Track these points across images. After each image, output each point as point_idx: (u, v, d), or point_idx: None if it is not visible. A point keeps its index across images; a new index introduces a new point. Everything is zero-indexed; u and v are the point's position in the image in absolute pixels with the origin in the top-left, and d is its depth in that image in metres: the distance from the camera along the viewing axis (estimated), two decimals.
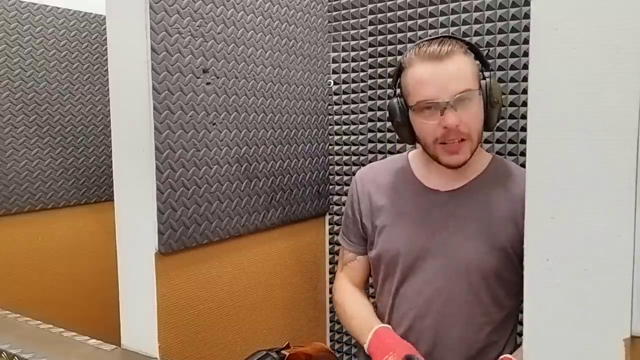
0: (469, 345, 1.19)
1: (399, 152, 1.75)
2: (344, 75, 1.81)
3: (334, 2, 1.81)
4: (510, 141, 1.51)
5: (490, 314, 1.18)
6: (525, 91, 1.46)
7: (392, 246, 1.26)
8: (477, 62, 1.20)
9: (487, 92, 1.13)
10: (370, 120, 1.78)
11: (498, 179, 1.17)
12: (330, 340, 1.92)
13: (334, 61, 1.83)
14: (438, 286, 1.18)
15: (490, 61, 1.51)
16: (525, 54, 1.45)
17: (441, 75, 1.10)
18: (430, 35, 1.61)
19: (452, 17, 1.56)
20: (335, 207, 1.87)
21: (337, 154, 1.85)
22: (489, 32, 1.51)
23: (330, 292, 1.77)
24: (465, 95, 1.10)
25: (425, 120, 1.14)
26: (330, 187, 1.85)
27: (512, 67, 1.48)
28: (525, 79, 1.46)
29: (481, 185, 1.18)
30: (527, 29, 1.46)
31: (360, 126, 1.80)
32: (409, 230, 1.23)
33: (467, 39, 1.54)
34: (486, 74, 1.23)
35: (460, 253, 1.15)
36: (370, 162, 1.79)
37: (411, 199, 1.24)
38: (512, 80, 1.49)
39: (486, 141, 1.54)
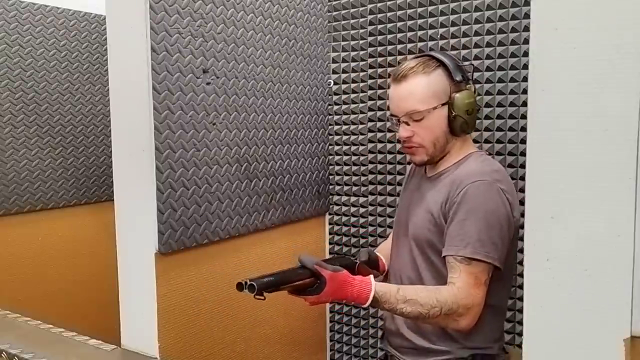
0: None
1: (399, 152, 1.76)
2: (344, 75, 1.81)
3: (334, 2, 1.81)
4: (510, 141, 1.51)
5: (422, 278, 1.32)
6: (525, 91, 1.46)
7: (396, 217, 1.50)
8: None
9: (450, 107, 1.28)
10: (370, 120, 1.78)
11: (454, 172, 1.31)
12: (330, 340, 1.92)
13: (334, 61, 1.83)
14: (400, 251, 1.40)
15: (490, 61, 1.52)
16: (525, 54, 1.45)
17: (395, 95, 1.31)
18: (430, 36, 1.62)
19: (452, 17, 1.56)
20: (335, 207, 1.87)
21: (337, 154, 1.85)
22: (489, 32, 1.51)
23: None
24: (412, 115, 1.27)
25: (395, 126, 1.37)
26: (330, 187, 1.85)
27: (512, 67, 1.48)
28: (525, 79, 1.46)
29: (444, 175, 1.33)
30: (527, 29, 1.46)
31: (360, 126, 1.80)
32: (403, 206, 1.45)
33: (466, 39, 1.54)
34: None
35: (410, 225, 1.36)
36: (370, 162, 1.79)
37: (414, 182, 1.44)
38: (512, 80, 1.49)
39: (486, 141, 1.54)
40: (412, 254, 1.34)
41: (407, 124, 1.29)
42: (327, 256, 1.88)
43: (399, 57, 1.70)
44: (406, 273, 1.36)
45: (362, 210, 1.82)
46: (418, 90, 1.27)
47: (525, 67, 1.46)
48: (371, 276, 1.23)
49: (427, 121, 1.28)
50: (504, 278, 1.26)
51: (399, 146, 1.74)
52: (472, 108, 1.28)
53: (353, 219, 1.84)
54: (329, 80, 1.81)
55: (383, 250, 1.51)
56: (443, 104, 1.27)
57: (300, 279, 1.17)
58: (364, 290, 1.19)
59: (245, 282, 1.13)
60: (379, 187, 1.79)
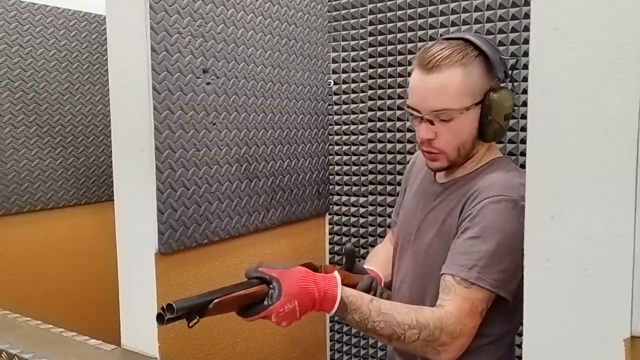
0: None
1: (399, 152, 1.75)
2: (344, 75, 1.81)
3: (334, 2, 1.81)
4: (510, 141, 1.51)
5: (423, 297, 1.17)
6: (525, 91, 1.46)
7: (400, 223, 1.33)
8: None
9: (486, 108, 1.09)
10: (370, 120, 1.78)
11: (472, 180, 1.15)
12: (331, 340, 1.92)
13: (334, 61, 1.83)
14: (408, 265, 1.24)
15: None
16: (525, 54, 1.45)
17: (422, 88, 1.09)
18: (430, 36, 1.61)
19: (452, 17, 1.56)
20: (335, 207, 1.87)
21: (337, 154, 1.85)
22: (489, 32, 1.51)
23: None
24: (440, 114, 1.08)
25: (413, 122, 1.16)
26: (330, 187, 1.85)
27: (512, 67, 1.48)
28: (525, 79, 1.46)
29: (460, 183, 1.17)
30: (527, 29, 1.45)
31: (360, 126, 1.80)
32: (409, 212, 1.28)
33: None
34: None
35: (419, 238, 1.20)
36: (370, 162, 1.79)
37: (422, 185, 1.28)
38: (512, 80, 1.49)
39: None
40: (415, 269, 1.20)
41: (432, 123, 1.09)
42: (327, 256, 1.88)
43: (399, 57, 1.70)
44: (407, 287, 1.22)
45: (362, 210, 1.82)
46: (453, 85, 1.06)
47: (525, 67, 1.46)
48: (335, 272, 1.05)
49: (455, 122, 1.08)
50: (513, 309, 1.06)
51: (399, 146, 1.74)
52: (510, 112, 1.09)
53: (353, 219, 1.84)
54: (329, 80, 1.81)
55: (376, 262, 1.36)
56: (477, 104, 1.08)
57: (243, 289, 1.00)
58: (329, 288, 0.99)
59: (163, 308, 0.89)
60: (379, 187, 1.79)
